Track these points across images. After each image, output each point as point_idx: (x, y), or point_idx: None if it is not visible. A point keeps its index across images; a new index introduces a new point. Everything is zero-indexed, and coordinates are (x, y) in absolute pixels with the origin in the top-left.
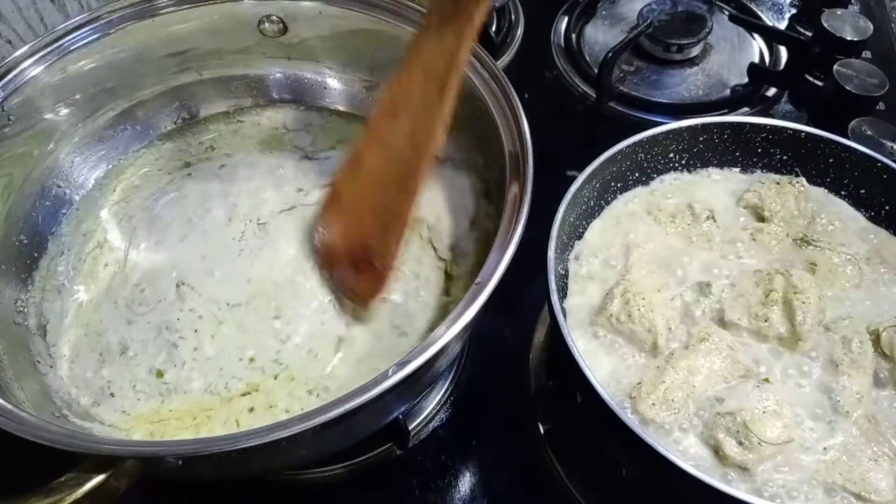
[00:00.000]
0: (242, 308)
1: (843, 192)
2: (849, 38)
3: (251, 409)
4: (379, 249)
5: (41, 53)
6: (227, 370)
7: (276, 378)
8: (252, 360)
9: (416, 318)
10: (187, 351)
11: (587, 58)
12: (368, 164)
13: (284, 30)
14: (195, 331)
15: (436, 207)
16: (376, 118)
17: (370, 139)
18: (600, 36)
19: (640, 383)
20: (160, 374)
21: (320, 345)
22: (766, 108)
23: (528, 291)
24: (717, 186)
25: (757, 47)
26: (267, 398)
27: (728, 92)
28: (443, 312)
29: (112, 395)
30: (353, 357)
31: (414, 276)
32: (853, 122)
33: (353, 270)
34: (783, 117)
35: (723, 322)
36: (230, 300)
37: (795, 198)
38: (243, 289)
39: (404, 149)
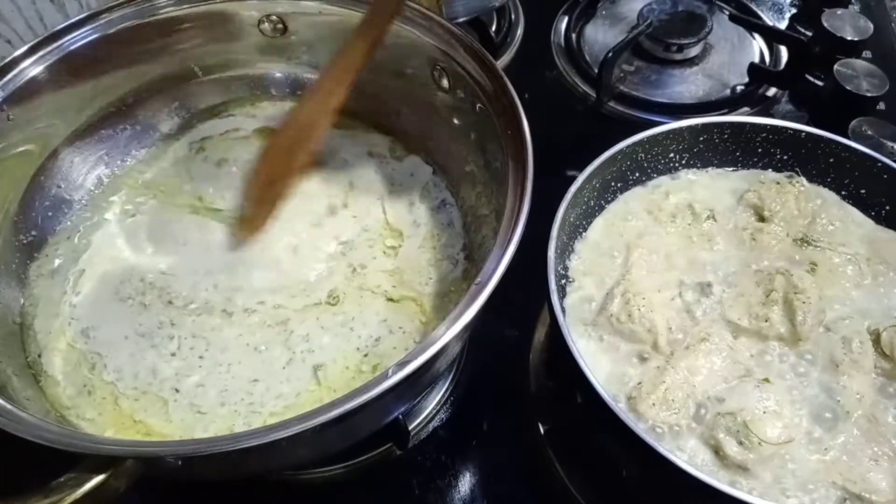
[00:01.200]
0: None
1: (843, 192)
2: (849, 38)
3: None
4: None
5: (40, 53)
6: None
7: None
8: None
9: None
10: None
11: (587, 57)
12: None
13: (284, 30)
14: (191, 347)
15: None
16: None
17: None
18: (600, 36)
19: (640, 383)
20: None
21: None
22: (766, 107)
23: (528, 291)
24: (718, 186)
25: (757, 47)
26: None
27: (728, 92)
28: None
29: (104, 395)
30: None
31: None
32: (853, 122)
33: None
34: (783, 117)
35: (723, 322)
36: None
37: (795, 198)
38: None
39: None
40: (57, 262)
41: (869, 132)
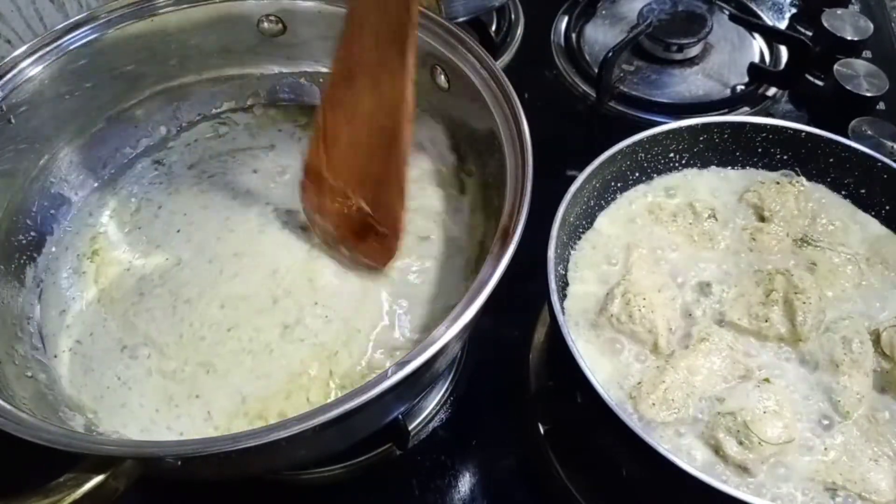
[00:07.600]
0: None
1: (843, 192)
2: (849, 38)
3: None
4: (381, 216)
5: (40, 53)
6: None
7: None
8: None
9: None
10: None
11: (587, 57)
12: (341, 137)
13: (283, 29)
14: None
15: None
16: (331, 90)
17: (332, 113)
18: (600, 35)
19: (640, 383)
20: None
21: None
22: (766, 107)
23: (528, 291)
24: (718, 186)
25: (757, 47)
26: None
27: (728, 91)
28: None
29: (105, 395)
30: None
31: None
32: (853, 122)
33: (360, 240)
34: (783, 117)
35: (723, 322)
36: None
37: (795, 197)
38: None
39: (375, 113)
40: (57, 261)
41: (869, 132)
